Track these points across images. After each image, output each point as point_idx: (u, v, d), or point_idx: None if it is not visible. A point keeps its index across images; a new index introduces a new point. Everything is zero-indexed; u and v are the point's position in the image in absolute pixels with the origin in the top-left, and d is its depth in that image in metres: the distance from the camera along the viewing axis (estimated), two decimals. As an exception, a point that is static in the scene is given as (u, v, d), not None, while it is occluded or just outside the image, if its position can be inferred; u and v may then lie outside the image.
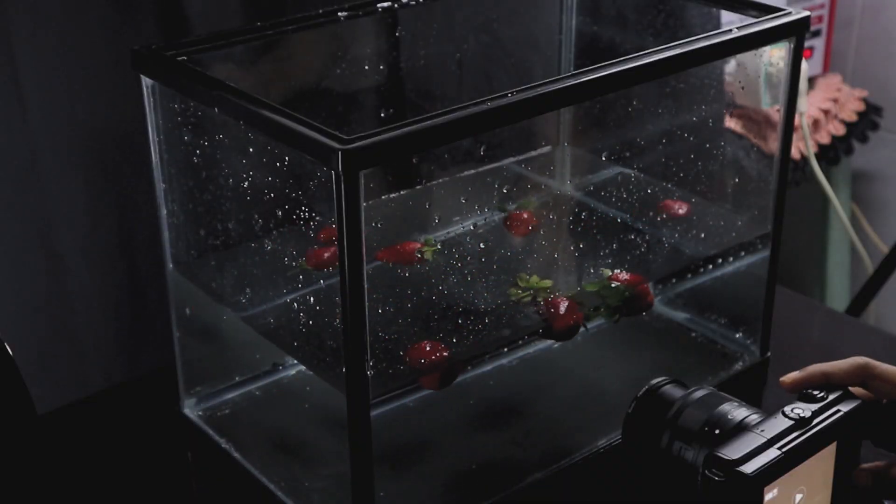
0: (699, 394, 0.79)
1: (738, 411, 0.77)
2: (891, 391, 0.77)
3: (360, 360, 0.75)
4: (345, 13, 0.98)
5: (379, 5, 1.01)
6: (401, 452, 0.94)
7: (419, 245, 0.96)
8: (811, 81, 1.81)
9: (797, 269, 1.96)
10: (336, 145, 0.70)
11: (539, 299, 0.91)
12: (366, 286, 0.74)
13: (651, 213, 1.04)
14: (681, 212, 1.04)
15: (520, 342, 0.98)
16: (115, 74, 1.06)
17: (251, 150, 0.85)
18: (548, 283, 0.91)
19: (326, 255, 0.90)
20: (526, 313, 0.91)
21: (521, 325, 0.91)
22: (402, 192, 1.05)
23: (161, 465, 0.98)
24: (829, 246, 1.91)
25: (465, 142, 1.01)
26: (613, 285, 0.95)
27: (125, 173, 1.11)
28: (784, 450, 0.71)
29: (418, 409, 0.98)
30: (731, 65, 1.02)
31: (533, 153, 1.14)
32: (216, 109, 0.81)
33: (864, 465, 0.78)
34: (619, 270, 0.96)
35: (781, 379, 0.80)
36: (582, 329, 0.92)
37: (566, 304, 0.91)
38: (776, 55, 0.96)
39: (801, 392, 0.76)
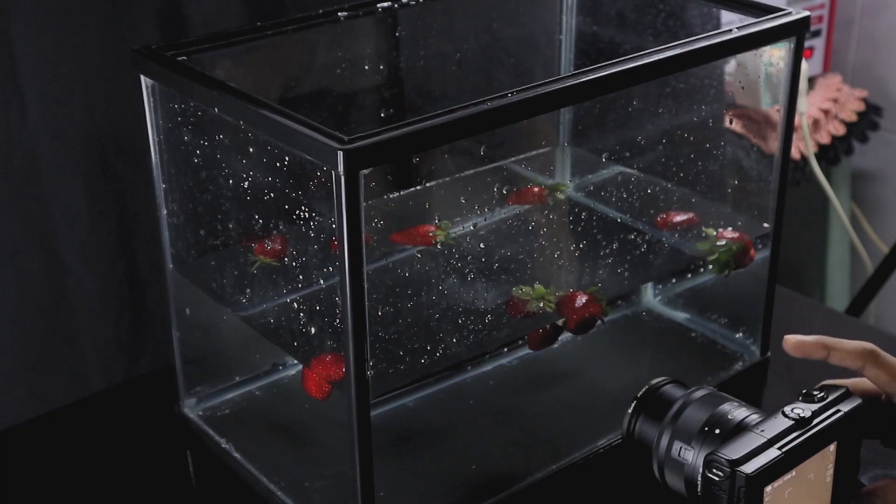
0: (699, 394, 0.79)
1: (738, 411, 0.76)
2: (887, 382, 0.77)
3: (360, 361, 0.75)
4: (345, 13, 0.98)
5: (379, 5, 1.01)
6: (401, 452, 0.94)
7: (433, 228, 0.96)
8: (811, 81, 1.81)
9: (797, 269, 1.96)
10: (337, 145, 0.70)
11: (553, 298, 0.91)
12: (366, 286, 0.74)
13: (652, 212, 1.04)
14: (682, 220, 1.04)
15: (520, 342, 0.98)
16: (115, 74, 1.06)
17: (251, 150, 0.85)
18: (542, 290, 0.91)
19: (277, 246, 0.91)
20: (536, 312, 0.91)
21: (527, 322, 0.91)
22: (402, 192, 1.05)
23: (161, 464, 0.98)
24: (829, 246, 1.92)
25: (465, 142, 1.01)
26: (721, 242, 0.99)
27: (125, 173, 1.11)
28: (784, 450, 0.71)
29: (418, 409, 0.98)
30: (731, 65, 1.02)
31: (533, 153, 1.14)
32: (216, 109, 0.81)
33: (867, 488, 0.78)
34: (722, 229, 1.00)
35: (786, 337, 0.80)
36: (599, 323, 0.93)
37: (584, 298, 0.91)
38: (776, 55, 0.96)
39: (802, 392, 0.76)
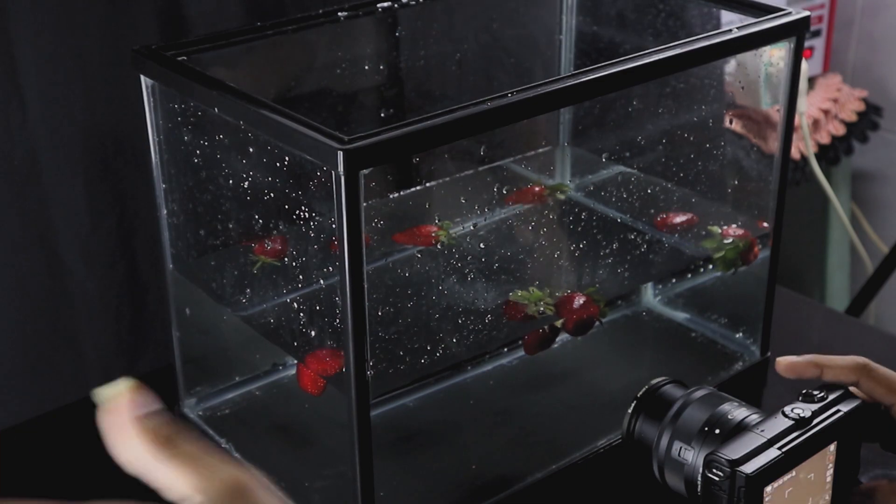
0: (699, 394, 0.79)
1: (738, 411, 0.77)
2: (884, 395, 0.77)
3: (360, 360, 0.75)
4: (345, 13, 0.98)
5: (379, 5, 1.01)
6: (401, 452, 0.94)
7: (435, 228, 0.96)
8: (811, 81, 1.81)
9: (797, 269, 1.96)
10: (337, 145, 0.70)
11: (550, 300, 0.91)
12: (366, 286, 0.74)
13: (652, 212, 1.04)
14: (681, 221, 1.04)
15: (520, 342, 0.98)
16: (115, 74, 1.06)
17: (251, 150, 0.85)
18: (539, 293, 0.91)
19: (278, 246, 0.91)
20: (535, 316, 0.91)
21: (528, 324, 0.91)
22: (402, 192, 1.05)
23: (161, 465, 0.98)
24: (829, 246, 1.92)
25: (464, 142, 1.01)
26: (728, 240, 1.00)
27: (125, 173, 1.11)
28: (784, 450, 0.71)
29: (418, 409, 0.98)
30: (731, 65, 1.02)
31: (533, 153, 1.14)
32: (216, 109, 0.81)
33: (862, 487, 0.78)
34: (726, 226, 1.01)
35: (777, 360, 0.80)
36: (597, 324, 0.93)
37: (582, 299, 0.91)
38: (776, 55, 0.96)
39: (802, 392, 0.76)
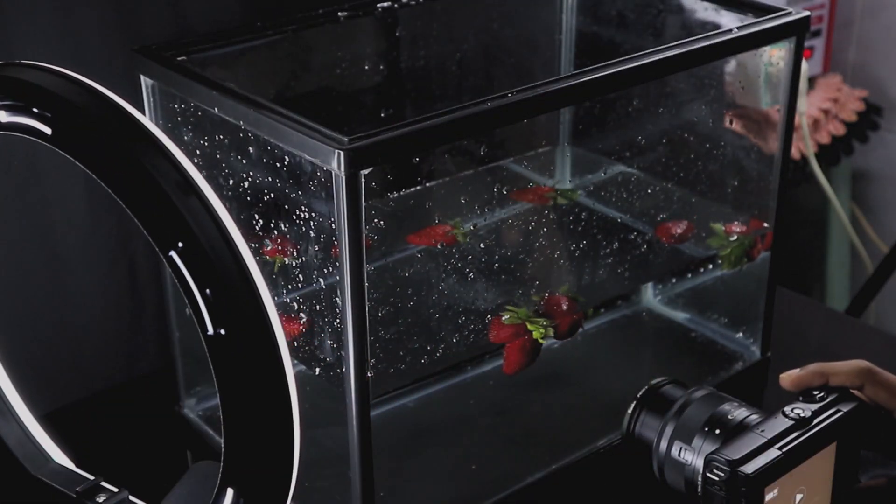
0: (699, 394, 0.79)
1: (738, 411, 0.77)
2: (887, 399, 0.77)
3: (360, 361, 0.75)
4: (345, 13, 0.98)
5: (379, 5, 1.01)
6: (401, 452, 0.94)
7: (449, 227, 0.96)
8: (811, 81, 1.81)
9: (797, 269, 1.96)
10: (337, 145, 0.70)
11: (538, 298, 0.91)
12: (366, 286, 0.74)
13: (652, 212, 1.04)
14: (680, 231, 1.04)
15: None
16: (115, 74, 1.06)
17: (251, 149, 0.85)
18: (525, 312, 0.91)
19: (281, 247, 0.91)
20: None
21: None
22: (401, 192, 1.05)
23: (161, 464, 0.98)
24: (829, 246, 1.92)
25: (465, 142, 1.01)
26: (734, 238, 0.99)
27: (125, 173, 1.11)
28: (784, 450, 0.71)
29: (418, 409, 0.98)
30: (731, 65, 1.02)
31: (533, 153, 1.14)
32: (216, 109, 0.81)
33: (862, 486, 0.78)
34: (728, 223, 1.01)
35: (781, 376, 0.80)
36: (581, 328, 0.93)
37: (566, 302, 0.91)
38: (776, 55, 0.96)
39: (802, 392, 0.76)
